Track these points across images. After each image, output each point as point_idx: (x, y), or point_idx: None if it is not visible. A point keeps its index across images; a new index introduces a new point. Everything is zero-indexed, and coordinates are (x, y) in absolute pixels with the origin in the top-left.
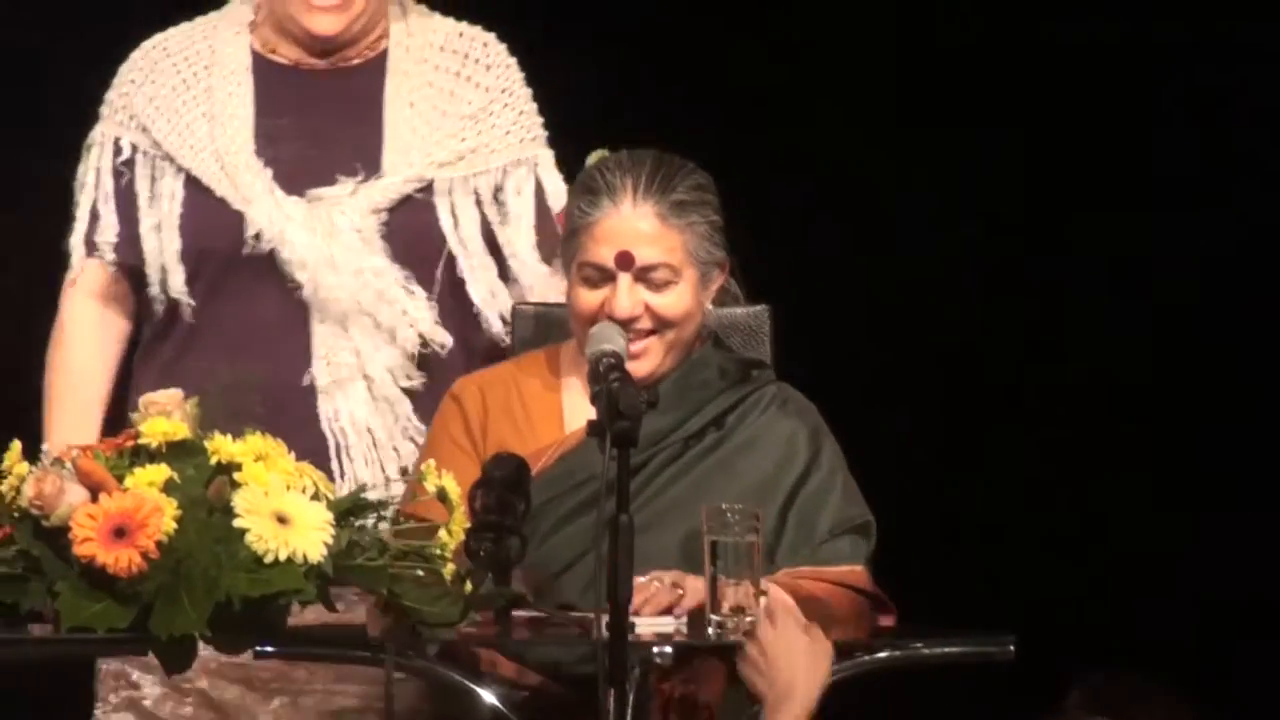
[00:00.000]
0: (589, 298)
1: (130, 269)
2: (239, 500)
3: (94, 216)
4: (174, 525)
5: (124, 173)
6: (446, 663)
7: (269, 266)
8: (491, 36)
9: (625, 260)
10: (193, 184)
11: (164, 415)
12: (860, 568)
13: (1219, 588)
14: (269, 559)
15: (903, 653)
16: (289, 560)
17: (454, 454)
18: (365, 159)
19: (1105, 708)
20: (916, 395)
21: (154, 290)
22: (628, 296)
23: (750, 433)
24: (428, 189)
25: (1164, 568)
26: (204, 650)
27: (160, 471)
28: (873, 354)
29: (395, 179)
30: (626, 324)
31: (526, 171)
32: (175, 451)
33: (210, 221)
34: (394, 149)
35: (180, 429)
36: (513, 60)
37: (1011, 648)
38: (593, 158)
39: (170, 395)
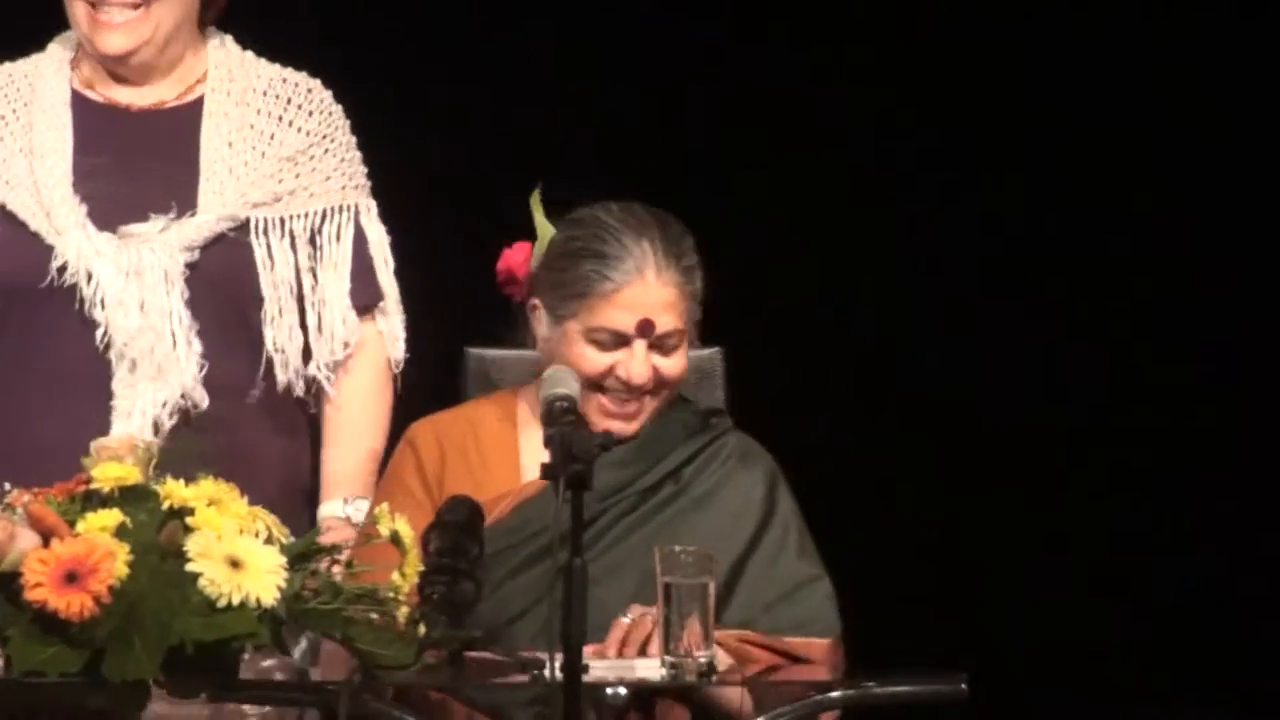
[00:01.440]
0: (598, 359)
1: None
2: (192, 545)
3: None
4: (126, 570)
5: None
6: (402, 707)
7: (75, 304)
8: (317, 83)
9: (647, 329)
10: (8, 218)
11: (116, 460)
12: (825, 641)
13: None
14: (222, 603)
15: (856, 692)
16: (242, 604)
17: (406, 502)
18: (180, 198)
19: None
20: (871, 435)
21: None
22: (645, 363)
23: (707, 486)
24: (242, 228)
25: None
26: None
27: (112, 516)
28: (826, 395)
29: (208, 217)
30: (636, 388)
31: (347, 218)
32: (128, 496)
33: (22, 256)
34: (210, 188)
35: (133, 474)
36: (337, 107)
37: (964, 686)
38: (535, 200)
39: (122, 440)
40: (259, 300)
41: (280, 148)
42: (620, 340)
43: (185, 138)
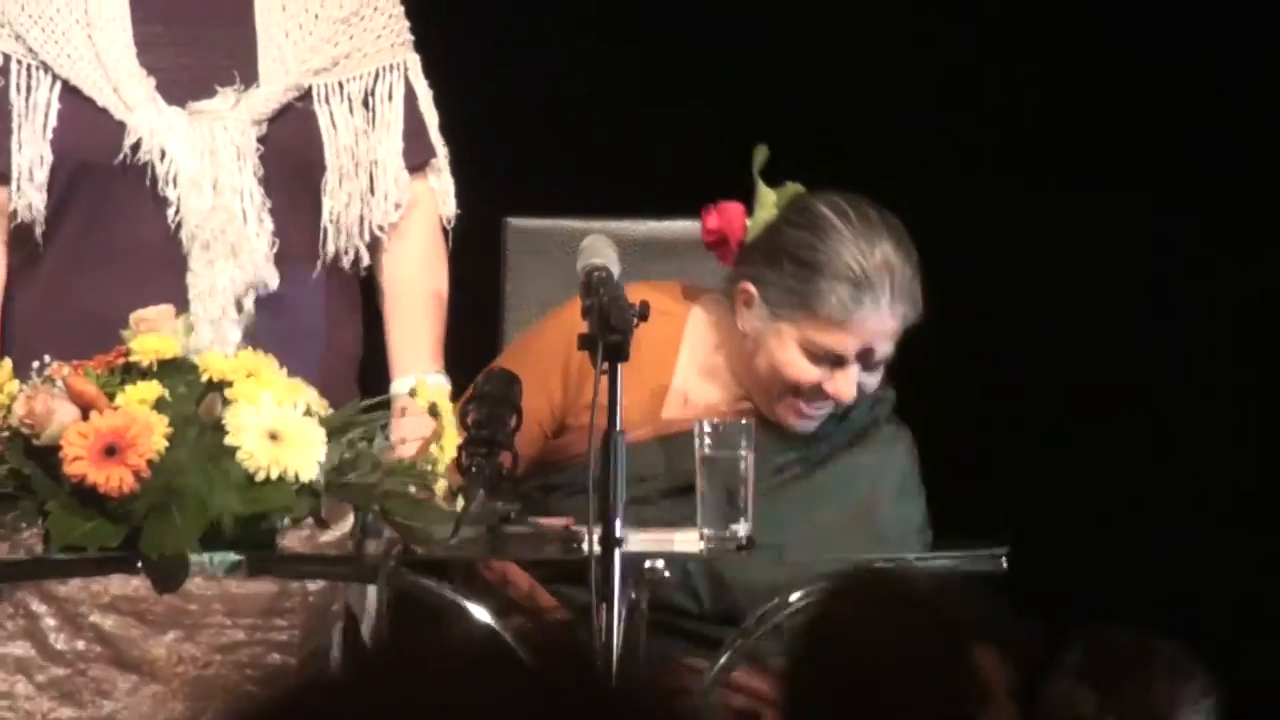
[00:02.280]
0: (809, 370)
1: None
2: (230, 418)
3: None
4: (165, 443)
5: None
6: (439, 579)
7: (148, 181)
8: None
9: (867, 356)
10: (71, 93)
11: (154, 331)
12: None
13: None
14: (260, 477)
15: (894, 564)
16: (280, 478)
17: (535, 390)
18: (240, 66)
19: (1102, 676)
20: None
21: (17, 205)
22: (854, 383)
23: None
24: (305, 96)
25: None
26: (95, 584)
27: (151, 389)
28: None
29: (275, 88)
30: (839, 403)
31: (398, 76)
32: (166, 369)
33: (91, 133)
34: (269, 55)
35: (171, 346)
36: None
37: (1004, 560)
38: (759, 160)
39: (161, 311)
40: (324, 169)
41: (332, 9)
42: (836, 359)
43: (236, 3)
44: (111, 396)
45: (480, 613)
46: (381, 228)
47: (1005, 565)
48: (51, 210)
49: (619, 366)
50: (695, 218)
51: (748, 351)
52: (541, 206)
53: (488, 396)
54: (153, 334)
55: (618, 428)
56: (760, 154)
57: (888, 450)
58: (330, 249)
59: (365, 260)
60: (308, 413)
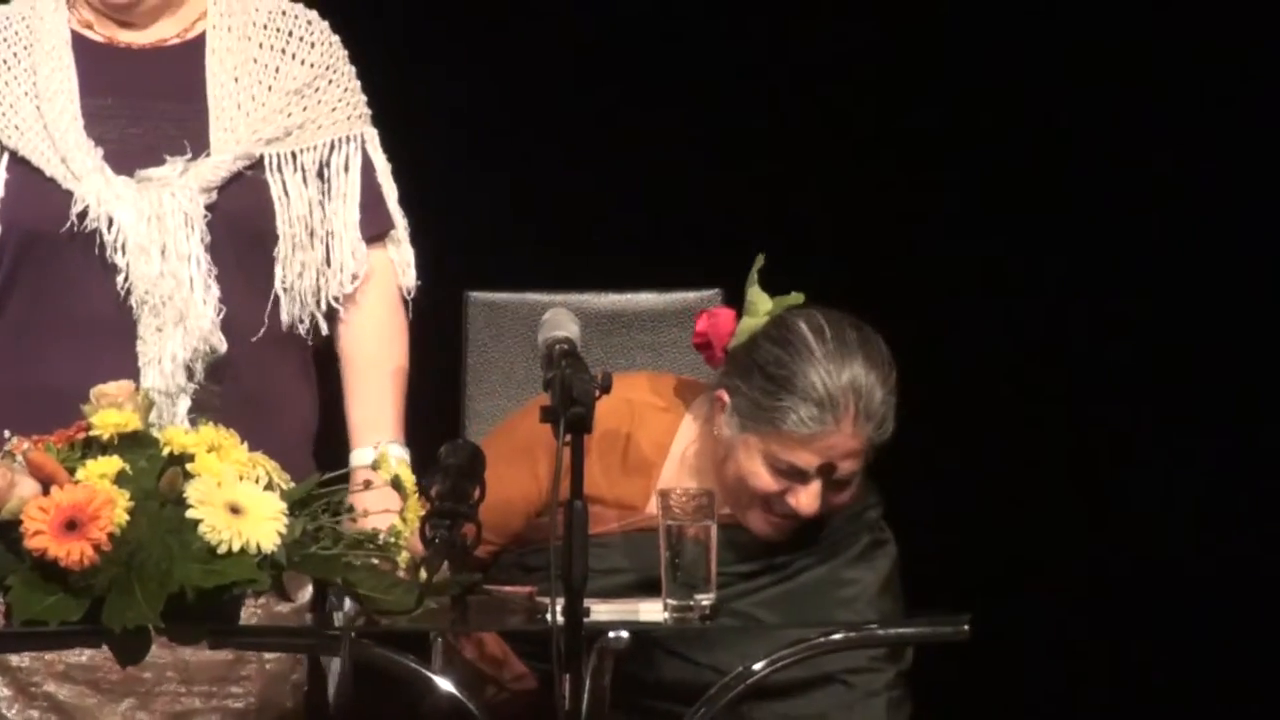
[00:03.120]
0: (772, 482)
1: None
2: (192, 491)
3: None
4: (126, 517)
5: None
6: (402, 651)
7: (96, 250)
8: (314, 14)
9: (828, 471)
10: (19, 165)
11: (115, 407)
12: None
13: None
14: (222, 549)
15: (859, 634)
16: (242, 550)
17: (520, 477)
18: (191, 137)
19: None
20: None
21: None
22: (817, 498)
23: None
24: (257, 166)
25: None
26: (49, 654)
27: (112, 463)
28: None
29: (225, 156)
30: (802, 517)
31: (354, 148)
32: (127, 443)
33: (39, 201)
34: (220, 126)
35: (132, 420)
36: (336, 38)
37: (966, 627)
38: (761, 300)
39: (121, 386)
40: (276, 238)
41: (286, 81)
42: (799, 474)
43: (189, 76)
44: (72, 471)
45: (444, 684)
46: (338, 299)
47: (968, 633)
48: (1, 283)
49: (581, 441)
50: (658, 290)
51: (720, 458)
52: (503, 281)
53: (451, 469)
54: (113, 409)
55: (581, 498)
56: (757, 262)
57: (867, 564)
58: (285, 318)
59: (324, 330)
60: (269, 486)
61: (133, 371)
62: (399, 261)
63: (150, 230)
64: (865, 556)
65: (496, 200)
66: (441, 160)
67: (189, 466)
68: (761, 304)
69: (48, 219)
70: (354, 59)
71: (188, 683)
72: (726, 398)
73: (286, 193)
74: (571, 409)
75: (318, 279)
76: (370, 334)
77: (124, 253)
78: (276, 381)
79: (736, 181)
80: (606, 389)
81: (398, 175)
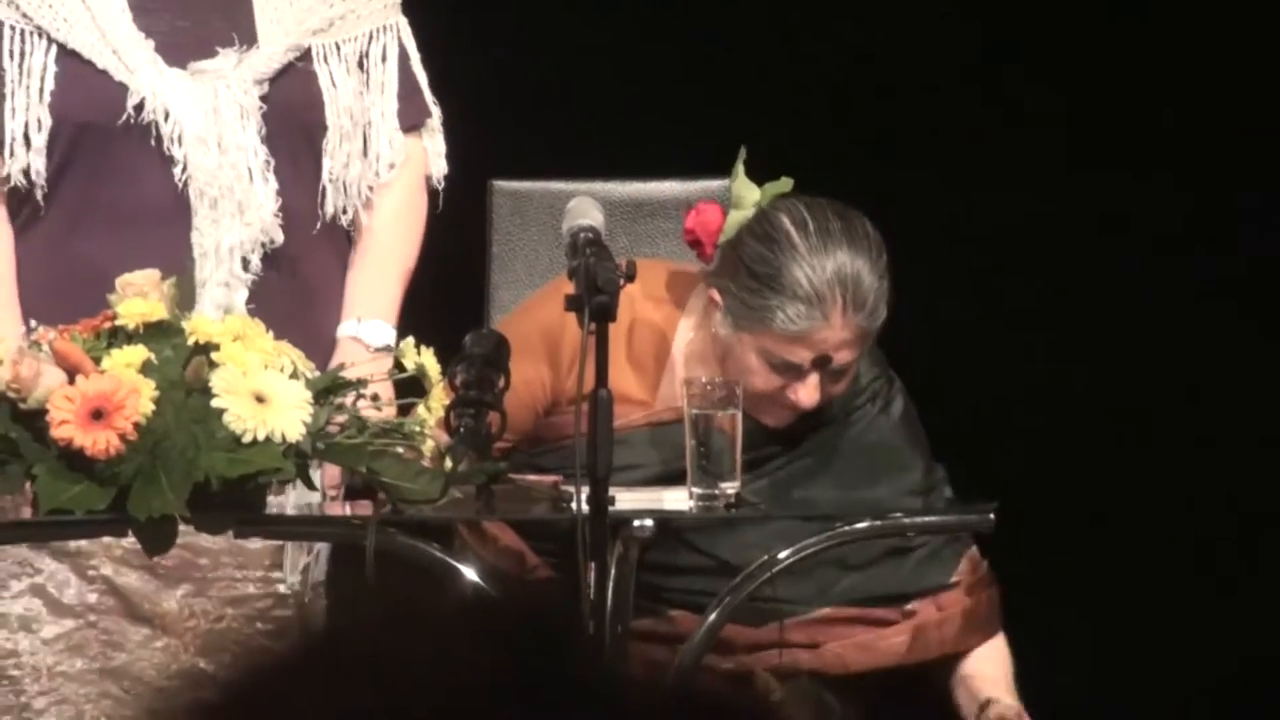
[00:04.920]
0: (770, 379)
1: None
2: (216, 380)
3: None
4: (152, 406)
5: None
6: (426, 539)
7: (152, 141)
8: None
9: (823, 363)
10: (69, 57)
11: (141, 295)
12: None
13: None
14: (247, 439)
15: (884, 522)
16: (267, 439)
17: (526, 370)
18: (237, 28)
19: None
20: None
21: (11, 170)
22: (815, 390)
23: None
24: (305, 57)
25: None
26: (107, 537)
27: (138, 353)
28: None
29: (275, 48)
30: (804, 409)
31: (391, 38)
32: (152, 332)
33: (90, 94)
34: (265, 17)
35: (158, 309)
36: None
37: (992, 516)
38: (747, 191)
39: (147, 275)
40: (325, 128)
41: None
42: (796, 370)
43: None
44: (98, 360)
45: (469, 572)
46: (372, 187)
47: (993, 522)
48: (52, 173)
49: (607, 327)
50: (682, 178)
51: (720, 355)
52: (527, 168)
53: (475, 358)
54: (139, 297)
55: (606, 386)
56: (741, 154)
57: (866, 431)
58: (329, 208)
59: (365, 221)
60: (294, 375)
61: (186, 261)
62: (431, 151)
63: (208, 122)
64: (871, 424)
65: (520, 88)
66: (464, 48)
67: (214, 356)
68: (749, 195)
69: (102, 111)
70: None
71: (243, 568)
72: (718, 297)
73: (334, 84)
74: (596, 297)
75: (361, 169)
76: (387, 215)
77: (181, 144)
78: (326, 272)
79: (763, 66)
80: (631, 277)
81: (423, 62)
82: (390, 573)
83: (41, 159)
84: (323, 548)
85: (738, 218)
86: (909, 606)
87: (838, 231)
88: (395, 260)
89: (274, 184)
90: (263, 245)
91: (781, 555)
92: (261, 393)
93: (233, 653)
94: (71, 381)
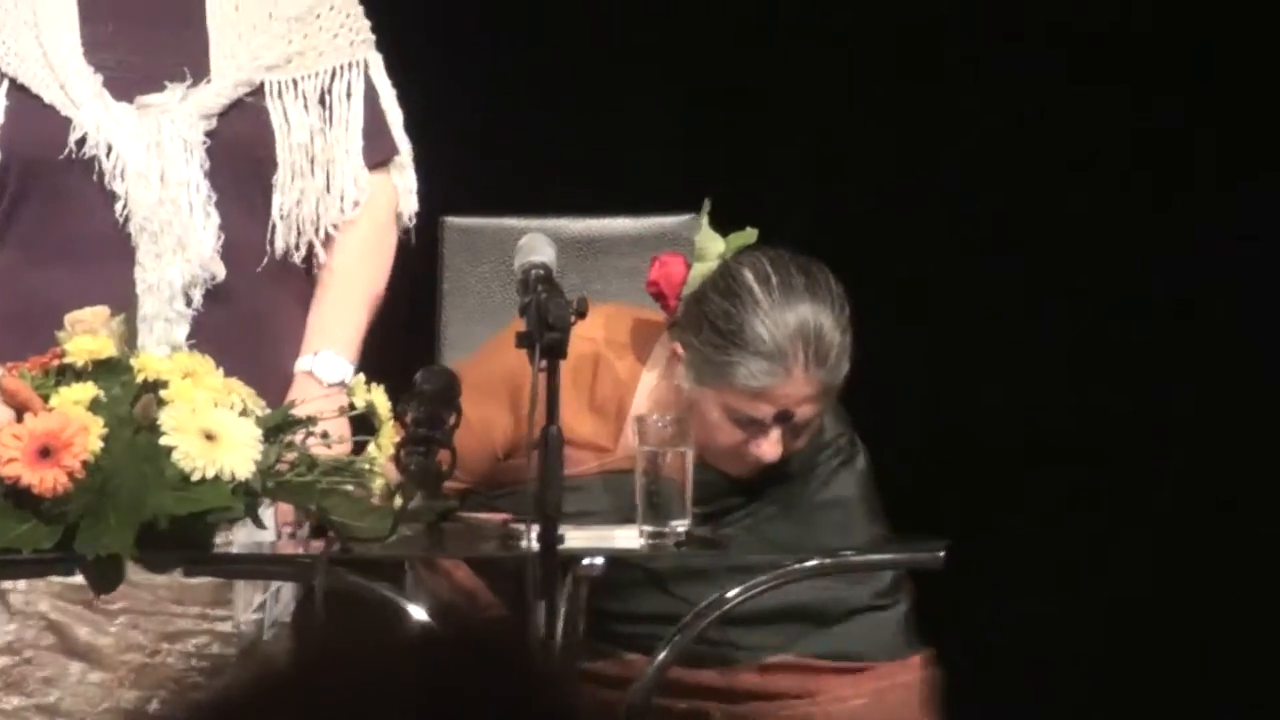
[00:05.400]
0: (733, 433)
1: None
2: (165, 418)
3: None
4: (100, 444)
5: None
6: (376, 578)
7: (95, 176)
8: None
9: (784, 418)
10: (18, 91)
11: (90, 333)
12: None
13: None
14: (196, 477)
15: (833, 560)
16: (216, 478)
17: (486, 407)
18: (191, 64)
19: None
20: None
21: None
22: (777, 445)
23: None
24: (257, 93)
25: None
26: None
27: (86, 390)
28: None
29: (225, 83)
30: (765, 465)
31: (357, 75)
32: (101, 370)
33: (37, 129)
34: (220, 53)
35: (106, 346)
36: None
37: (942, 554)
38: (712, 244)
39: (96, 313)
40: (276, 165)
41: (286, 7)
42: (758, 426)
43: (190, 3)
44: (46, 398)
45: (417, 611)
46: (337, 225)
47: (942, 560)
48: (7, 206)
49: (558, 363)
50: (634, 215)
51: (682, 407)
52: (479, 205)
53: (426, 395)
54: (88, 334)
55: (556, 424)
56: (705, 205)
57: (826, 489)
58: (280, 244)
59: (322, 258)
60: (244, 412)
61: (133, 295)
62: (401, 187)
63: (149, 157)
64: (833, 478)
65: (473, 124)
66: (418, 83)
67: (163, 393)
68: (712, 247)
69: (48, 145)
70: None
71: (181, 603)
72: (681, 351)
73: (287, 120)
74: (547, 334)
75: (317, 206)
76: (350, 251)
77: (123, 179)
78: (275, 308)
79: (714, 105)
80: (582, 314)
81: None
82: (355, 613)
83: None
84: (285, 586)
85: (701, 270)
86: (873, 666)
87: (800, 286)
88: (356, 296)
89: (216, 219)
90: (205, 281)
91: (730, 594)
92: (211, 430)
93: (168, 689)
94: (20, 419)
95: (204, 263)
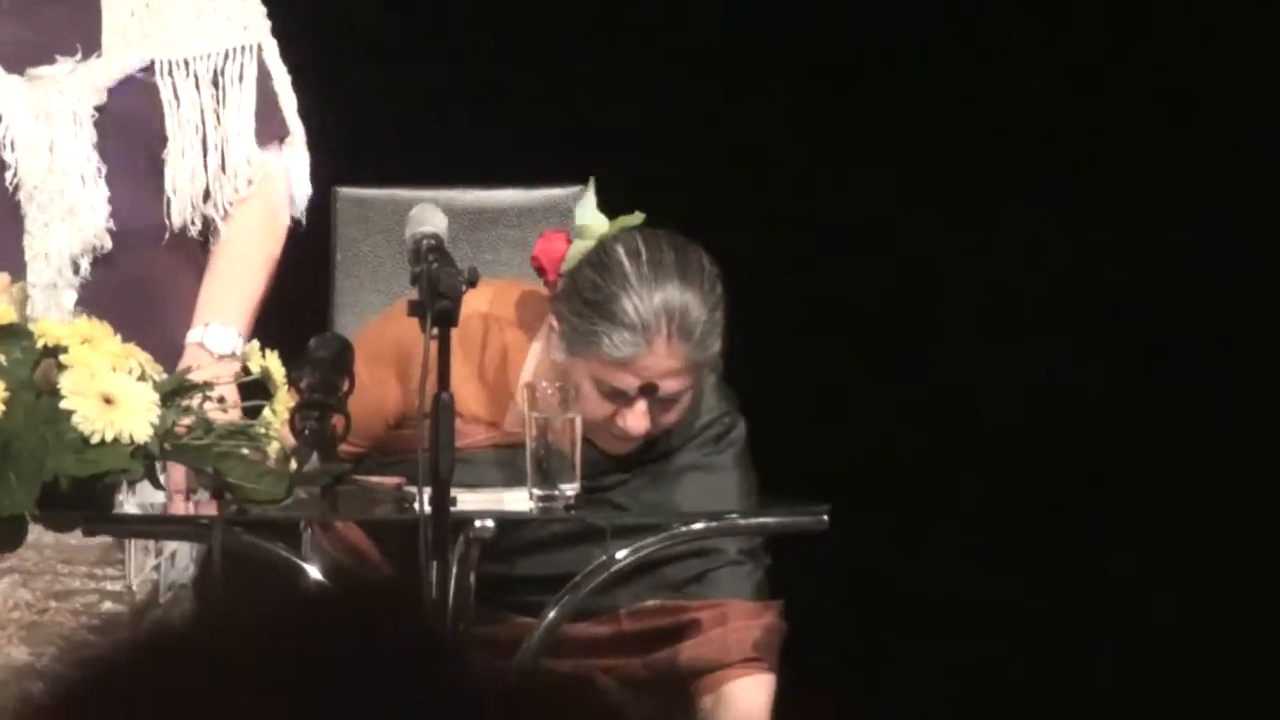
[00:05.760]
0: (601, 405)
1: None
2: (65, 382)
3: None
4: (1, 407)
5: None
6: (272, 539)
7: None
8: None
9: (650, 391)
10: None
11: None
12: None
13: None
14: (96, 439)
15: (719, 523)
16: (115, 440)
17: (376, 374)
18: (84, 40)
19: None
20: None
21: None
22: (644, 418)
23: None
24: (148, 70)
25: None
26: None
27: None
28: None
29: (115, 58)
30: (633, 438)
31: (250, 58)
32: (2, 335)
33: None
34: (113, 31)
35: (7, 313)
36: None
37: (825, 517)
38: (594, 220)
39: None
40: (166, 141)
41: None
42: (624, 397)
43: None
44: None
45: (313, 571)
46: (231, 203)
47: (826, 523)
48: None
49: (449, 331)
50: (522, 186)
51: (561, 379)
52: (371, 176)
53: (320, 361)
54: None
55: (448, 390)
56: (590, 184)
57: (706, 457)
58: (176, 219)
59: (223, 233)
60: (142, 377)
61: (21, 264)
62: (295, 168)
63: (39, 127)
64: (709, 450)
65: (364, 94)
66: (310, 53)
67: (63, 358)
68: (595, 227)
69: None
70: None
71: (69, 563)
72: (555, 323)
73: (177, 96)
74: (439, 302)
75: (210, 183)
76: (241, 227)
77: (13, 149)
78: (166, 280)
79: (607, 75)
80: (473, 283)
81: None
82: (252, 573)
83: None
84: (182, 548)
85: (580, 247)
86: (734, 607)
87: (670, 263)
88: (246, 271)
89: (104, 191)
90: (94, 250)
91: (620, 555)
92: (110, 394)
93: (58, 645)
94: None
95: (96, 232)
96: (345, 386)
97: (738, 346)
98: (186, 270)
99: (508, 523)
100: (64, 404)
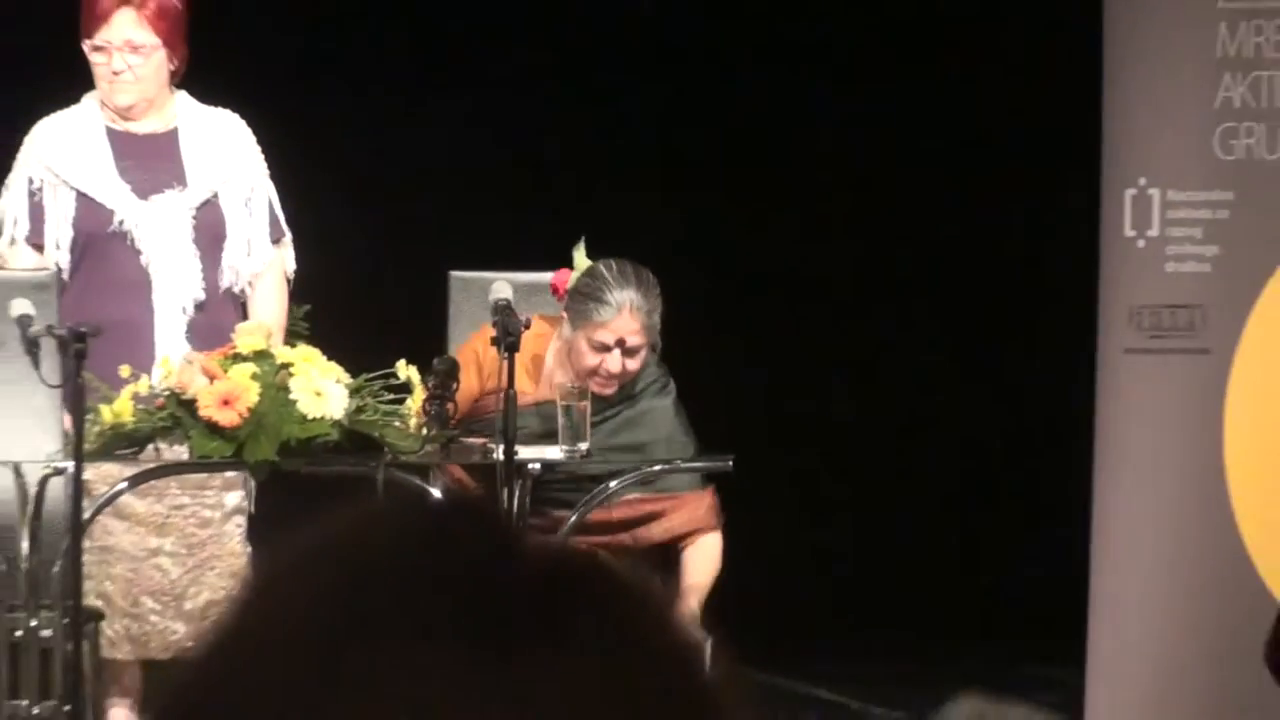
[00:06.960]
0: (592, 357)
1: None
2: (294, 384)
3: (14, 221)
4: (256, 398)
5: (35, 194)
6: (410, 473)
7: (128, 242)
8: (236, 116)
9: (621, 344)
10: (82, 197)
11: (250, 334)
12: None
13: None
14: (311, 416)
15: (638, 472)
16: (323, 417)
17: (469, 361)
18: (177, 178)
19: None
20: None
21: (51, 259)
22: (619, 362)
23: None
24: (215, 197)
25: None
26: (140, 508)
27: (249, 368)
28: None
29: (200, 191)
30: (613, 376)
31: (260, 188)
32: (257, 356)
33: (94, 216)
34: (191, 173)
35: (260, 343)
36: (244, 123)
37: (730, 463)
38: (583, 261)
39: (257, 325)
40: (226, 237)
41: (222, 144)
42: (605, 348)
43: (173, 148)
44: (226, 371)
45: (435, 491)
46: (254, 274)
47: (731, 467)
48: (74, 262)
49: (514, 356)
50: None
51: (567, 352)
52: (468, 263)
53: (440, 371)
54: (248, 335)
55: (514, 388)
56: (581, 241)
57: (654, 403)
58: (224, 284)
59: (249, 293)
60: (338, 380)
61: (151, 315)
62: (287, 255)
63: (159, 231)
64: (654, 396)
65: (455, 210)
66: (422, 153)
67: (292, 369)
68: (583, 262)
69: (100, 225)
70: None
71: (182, 487)
72: (564, 314)
73: (233, 214)
74: (508, 339)
75: (247, 264)
76: (261, 292)
77: (147, 244)
78: (225, 316)
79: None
80: (527, 326)
81: (357, 186)
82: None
83: (67, 255)
84: (239, 488)
85: (576, 274)
86: (688, 495)
87: (630, 272)
88: (267, 316)
89: (198, 268)
90: (194, 302)
91: (613, 485)
92: (319, 390)
93: (174, 537)
94: (211, 383)
95: (193, 293)
96: (454, 386)
97: (665, 333)
98: (234, 312)
99: (548, 464)
100: (292, 396)
